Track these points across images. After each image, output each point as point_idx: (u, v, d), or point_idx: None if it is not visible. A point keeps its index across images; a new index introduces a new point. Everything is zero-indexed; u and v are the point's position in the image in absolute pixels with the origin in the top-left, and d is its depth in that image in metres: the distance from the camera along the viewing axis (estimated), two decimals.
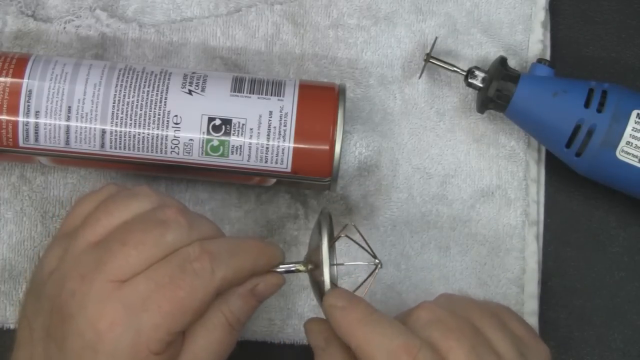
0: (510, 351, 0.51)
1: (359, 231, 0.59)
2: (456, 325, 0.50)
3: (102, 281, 0.49)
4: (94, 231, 0.51)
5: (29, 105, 0.57)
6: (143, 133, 0.58)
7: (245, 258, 0.53)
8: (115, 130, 0.58)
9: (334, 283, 0.61)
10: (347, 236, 0.61)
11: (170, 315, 0.49)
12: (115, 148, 0.58)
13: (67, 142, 0.58)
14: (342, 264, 0.64)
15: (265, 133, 0.57)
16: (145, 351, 0.49)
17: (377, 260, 0.58)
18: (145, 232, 0.50)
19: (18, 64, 0.58)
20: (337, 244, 0.59)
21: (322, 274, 0.53)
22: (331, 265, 0.57)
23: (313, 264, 0.55)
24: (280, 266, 0.55)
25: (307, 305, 0.65)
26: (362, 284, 0.60)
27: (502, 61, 0.62)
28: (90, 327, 0.49)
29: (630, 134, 0.59)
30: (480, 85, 0.63)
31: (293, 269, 0.56)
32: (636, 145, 0.59)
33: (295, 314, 0.65)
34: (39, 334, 0.51)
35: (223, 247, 0.52)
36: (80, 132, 0.58)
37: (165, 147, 0.58)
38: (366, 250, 0.60)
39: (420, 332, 0.49)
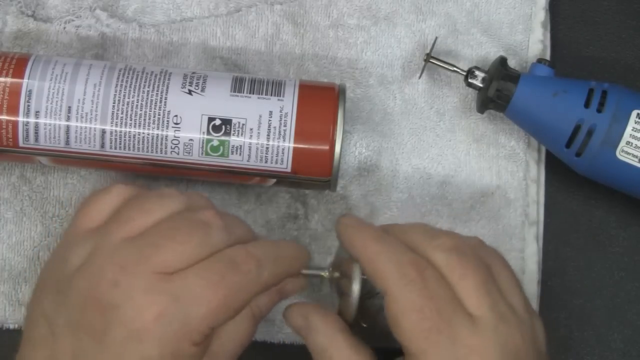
0: (520, 303, 0.53)
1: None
2: (474, 258, 0.52)
3: (148, 272, 0.50)
4: (129, 228, 0.52)
5: (29, 105, 0.57)
6: (143, 133, 0.58)
7: (285, 263, 0.54)
8: (115, 130, 0.58)
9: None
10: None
11: (217, 310, 0.50)
12: (115, 148, 0.58)
13: (67, 142, 0.58)
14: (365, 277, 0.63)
15: (265, 133, 0.57)
16: (188, 342, 0.50)
17: None
18: (190, 230, 0.51)
19: (18, 64, 0.58)
20: None
21: (351, 291, 0.54)
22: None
23: (340, 273, 0.56)
24: (307, 270, 0.57)
25: None
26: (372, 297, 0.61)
27: (502, 61, 0.62)
28: (137, 316, 0.49)
29: (630, 134, 0.59)
30: (480, 85, 0.63)
31: (318, 274, 0.57)
32: (636, 145, 0.59)
33: None
34: (64, 329, 0.51)
35: (267, 253, 0.53)
36: (80, 132, 0.58)
37: (165, 147, 0.58)
38: None
39: (438, 254, 0.52)
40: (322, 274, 0.57)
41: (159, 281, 0.50)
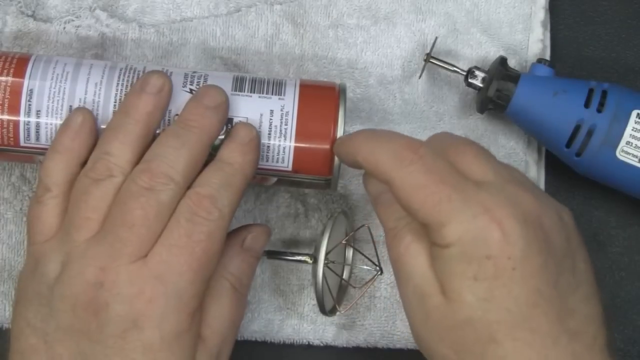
0: (526, 180, 0.53)
1: (370, 234, 0.60)
2: (468, 140, 0.53)
3: (126, 265, 0.51)
4: (88, 228, 0.52)
5: (30, 105, 0.57)
6: None
7: (237, 181, 0.54)
8: None
9: (344, 278, 0.63)
10: (350, 245, 0.63)
11: (201, 267, 0.52)
12: None
13: None
14: (343, 264, 0.64)
15: (266, 132, 0.57)
16: (184, 314, 0.51)
17: (377, 267, 0.59)
18: (142, 207, 0.51)
19: (19, 64, 0.58)
20: (357, 241, 0.64)
21: (317, 270, 0.57)
22: (334, 262, 0.59)
23: (313, 259, 0.59)
24: (290, 256, 0.61)
25: (306, 304, 0.65)
26: (361, 286, 0.64)
27: (502, 61, 0.62)
28: (130, 308, 0.50)
29: (630, 134, 0.59)
30: (480, 85, 0.63)
31: (301, 259, 0.60)
32: (636, 145, 0.59)
33: (294, 313, 0.65)
34: (56, 336, 0.51)
35: (216, 184, 0.53)
36: None
37: None
38: (366, 257, 0.61)
39: (432, 143, 0.52)
40: (306, 259, 0.60)
41: (139, 268, 0.51)
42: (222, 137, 0.56)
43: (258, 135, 0.56)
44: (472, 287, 0.48)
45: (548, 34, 0.67)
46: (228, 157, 0.54)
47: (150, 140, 0.55)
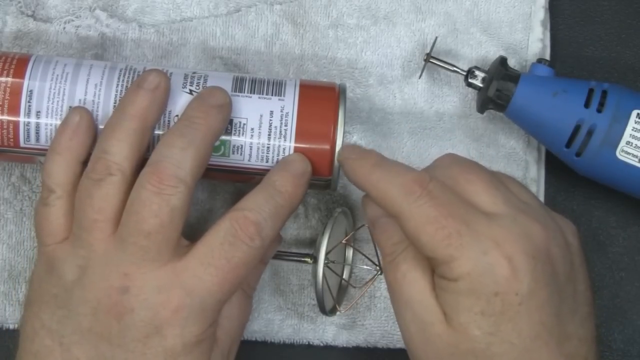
0: (535, 202, 0.53)
1: (370, 234, 0.60)
2: (476, 166, 0.53)
3: (153, 271, 0.51)
4: (102, 231, 0.52)
5: (29, 106, 0.57)
6: None
7: (285, 212, 0.55)
8: None
9: (344, 278, 0.63)
10: (350, 244, 0.63)
11: (230, 288, 0.53)
12: None
13: None
14: (343, 264, 0.64)
15: (266, 133, 0.57)
16: (206, 325, 0.52)
17: (377, 267, 0.59)
18: (155, 216, 0.51)
19: (19, 64, 0.58)
20: (357, 241, 0.64)
21: (317, 270, 0.57)
22: (334, 262, 0.59)
23: (313, 259, 0.60)
24: (290, 256, 0.61)
25: (306, 304, 0.65)
26: (361, 286, 0.64)
27: (502, 61, 0.62)
28: (154, 315, 0.51)
29: (630, 134, 0.59)
30: (480, 85, 0.63)
31: (301, 259, 0.61)
32: (636, 145, 0.59)
33: (294, 313, 0.65)
34: (73, 339, 0.52)
35: (266, 212, 0.53)
36: None
37: None
38: (366, 257, 0.62)
39: (440, 171, 0.52)
40: (306, 260, 0.61)
41: (167, 277, 0.51)
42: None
43: (311, 171, 0.57)
44: (479, 321, 0.48)
45: (548, 34, 0.67)
46: (280, 185, 0.55)
47: (148, 136, 0.55)
